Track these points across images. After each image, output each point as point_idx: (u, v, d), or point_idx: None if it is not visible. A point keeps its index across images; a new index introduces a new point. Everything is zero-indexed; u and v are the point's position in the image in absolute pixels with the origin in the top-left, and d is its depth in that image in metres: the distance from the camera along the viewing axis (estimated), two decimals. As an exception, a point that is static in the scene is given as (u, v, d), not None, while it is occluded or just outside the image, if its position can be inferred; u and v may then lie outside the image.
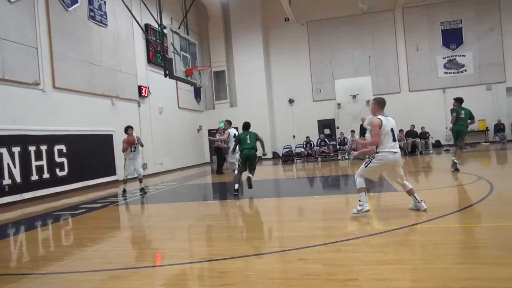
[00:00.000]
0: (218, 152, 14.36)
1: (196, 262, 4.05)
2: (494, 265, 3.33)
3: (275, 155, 21.41)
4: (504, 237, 4.16)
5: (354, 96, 19.10)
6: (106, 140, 13.31)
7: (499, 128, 19.10)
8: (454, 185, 8.28)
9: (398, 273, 3.23)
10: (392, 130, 5.37)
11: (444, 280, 2.97)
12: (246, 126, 9.00)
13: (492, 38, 19.88)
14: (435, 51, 20.57)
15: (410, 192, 5.46)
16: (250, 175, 8.65)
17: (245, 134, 8.74)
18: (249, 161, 8.57)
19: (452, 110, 10.28)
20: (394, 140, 5.37)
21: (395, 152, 5.34)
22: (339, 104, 20.48)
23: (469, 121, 9.99)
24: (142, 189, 9.88)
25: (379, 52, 20.97)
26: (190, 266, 3.94)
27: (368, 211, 5.33)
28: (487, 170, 11.00)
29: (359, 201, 5.37)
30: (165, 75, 10.73)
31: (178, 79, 11.38)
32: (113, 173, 13.57)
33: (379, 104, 5.54)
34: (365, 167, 5.44)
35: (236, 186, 8.28)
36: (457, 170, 9.76)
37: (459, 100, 10.13)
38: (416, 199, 5.41)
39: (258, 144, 8.56)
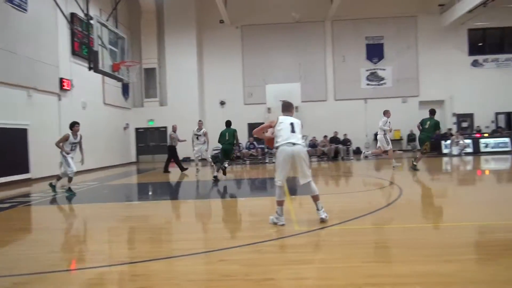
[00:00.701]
0: (171, 151, 14.40)
1: (114, 265, 3.90)
2: (399, 263, 3.65)
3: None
4: (411, 237, 4.56)
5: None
6: (19, 135, 12.27)
7: (411, 138, 20.89)
8: (369, 189, 8.89)
9: (312, 272, 3.40)
10: (292, 124, 5.18)
11: (352, 278, 3.19)
12: (228, 124, 11.17)
13: (409, 55, 21.70)
14: (359, 64, 21.93)
15: (315, 198, 5.22)
16: (226, 165, 10.89)
17: (225, 131, 10.82)
18: (226, 154, 10.77)
19: (421, 120, 11.51)
20: (292, 131, 5.12)
21: (293, 144, 5.03)
22: (269, 109, 20.90)
23: (437, 131, 11.11)
24: (70, 189, 9.22)
25: (309, 60, 21.86)
26: (109, 269, 3.78)
27: (282, 225, 5.06)
28: (399, 176, 11.93)
29: (276, 212, 5.19)
30: (89, 68, 10.21)
31: (103, 73, 10.88)
32: (26, 170, 12.54)
33: (282, 107, 5.58)
34: (275, 169, 5.31)
35: (215, 173, 10.63)
36: (416, 170, 11.13)
37: (431, 112, 11.33)
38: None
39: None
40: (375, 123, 21.21)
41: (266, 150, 18.57)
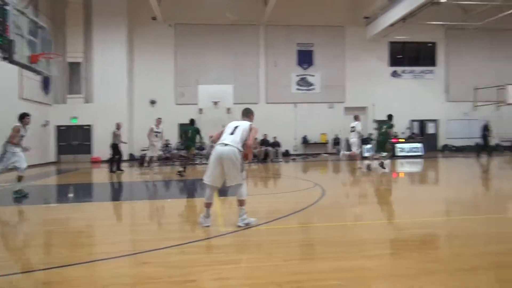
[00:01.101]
0: (114, 150, 13.88)
1: (25, 272, 3.62)
2: (321, 260, 3.83)
3: (132, 157, 20.53)
4: (333, 234, 4.80)
5: (215, 103, 19.63)
6: None
7: (336, 141, 22.02)
8: (294, 190, 9.21)
9: (235, 272, 3.44)
10: (235, 127, 5.25)
11: (274, 276, 3.29)
12: (191, 122, 12.42)
13: (337, 63, 22.81)
14: (290, 69, 22.60)
15: (239, 203, 5.10)
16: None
17: (189, 128, 11.99)
18: (188, 150, 12.31)
19: (378, 125, 12.76)
20: (231, 134, 5.14)
21: (225, 144, 5.00)
22: (201, 110, 20.77)
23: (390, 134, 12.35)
24: (19, 191, 8.10)
25: (242, 63, 22.07)
26: (18, 277, 3.49)
27: (207, 226, 5.01)
28: (323, 177, 12.52)
29: (204, 213, 5.16)
30: (3, 59, 9.34)
31: (19, 64, 10.01)
32: None
33: (241, 112, 5.74)
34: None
35: (181, 169, 11.89)
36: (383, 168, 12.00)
37: (388, 117, 12.22)
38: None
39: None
40: (304, 127, 22.29)
41: (197, 151, 18.40)
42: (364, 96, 22.71)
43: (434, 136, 23.16)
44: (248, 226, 5.00)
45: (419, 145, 19.52)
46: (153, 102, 21.48)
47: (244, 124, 5.32)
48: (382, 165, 12.28)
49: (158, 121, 13.45)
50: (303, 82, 22.77)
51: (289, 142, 21.73)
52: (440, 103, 23.30)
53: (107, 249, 4.29)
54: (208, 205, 5.16)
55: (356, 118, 13.52)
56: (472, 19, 21.26)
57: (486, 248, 4.06)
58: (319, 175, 13.21)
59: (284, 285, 3.08)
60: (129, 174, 14.45)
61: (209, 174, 5.11)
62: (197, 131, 12.13)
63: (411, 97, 22.81)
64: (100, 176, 12.99)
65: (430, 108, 22.96)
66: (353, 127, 13.11)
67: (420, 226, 5.12)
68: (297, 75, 22.67)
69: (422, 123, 23.38)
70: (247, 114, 5.65)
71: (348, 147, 15.94)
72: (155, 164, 13.83)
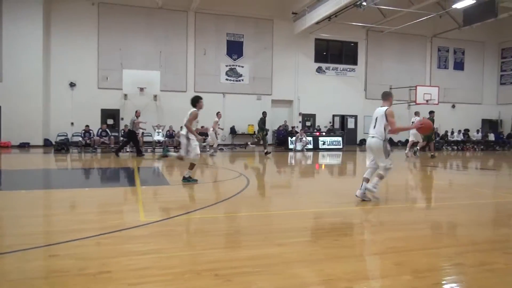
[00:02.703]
0: (130, 136, 15.06)
1: None
2: (240, 248, 3.93)
3: (48, 143, 19.10)
4: (253, 223, 4.94)
5: (141, 89, 18.96)
6: None
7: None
8: (219, 180, 9.28)
9: (153, 261, 3.41)
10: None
11: (192, 265, 3.32)
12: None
13: (265, 56, 23.20)
14: (219, 58, 22.50)
15: None
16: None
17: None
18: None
19: None
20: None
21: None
22: (125, 95, 19.94)
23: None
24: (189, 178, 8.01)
25: (170, 49, 21.49)
26: None
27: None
28: (248, 168, 12.74)
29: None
30: None
31: None
32: None
33: None
34: None
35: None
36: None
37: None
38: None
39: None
40: (233, 117, 22.38)
41: (122, 139, 17.65)
42: (290, 90, 23.45)
43: (353, 131, 24.65)
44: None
45: (339, 138, 20.67)
46: (72, 85, 20.08)
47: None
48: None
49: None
50: (232, 73, 22.83)
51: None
52: (360, 100, 24.82)
53: (12, 242, 3.98)
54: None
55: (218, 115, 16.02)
56: (390, 23, 22.90)
57: (389, 234, 4.47)
58: (245, 166, 13.42)
59: (202, 273, 3.12)
60: (43, 160, 13.48)
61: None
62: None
63: (333, 93, 24.00)
64: (9, 162, 11.92)
65: (350, 104, 24.37)
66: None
67: (333, 215, 5.47)
68: (227, 65, 22.66)
69: (343, 118, 24.75)
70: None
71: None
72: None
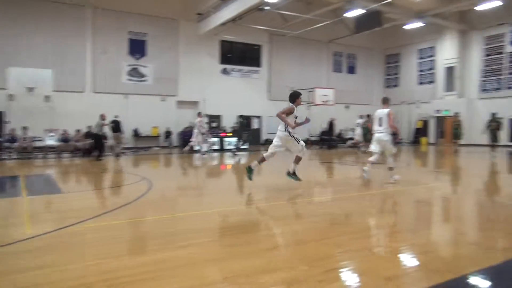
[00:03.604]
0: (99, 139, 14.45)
1: None
2: (139, 254, 3.78)
3: None
4: (153, 228, 4.78)
5: (30, 89, 17.19)
6: None
7: (168, 134, 22.04)
8: (120, 185, 8.84)
9: (44, 277, 3.11)
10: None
11: (84, 277, 3.10)
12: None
13: (170, 56, 22.69)
14: (121, 57, 21.42)
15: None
16: None
17: None
18: None
19: None
20: None
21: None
22: (11, 95, 17.88)
23: None
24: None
25: (66, 46, 19.84)
26: None
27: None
28: (152, 171, 12.37)
29: None
30: None
31: None
32: None
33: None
34: None
35: None
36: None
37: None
38: None
39: None
40: (136, 119, 21.47)
41: (8, 145, 15.80)
42: (196, 91, 23.28)
43: (258, 131, 25.36)
44: None
45: (245, 139, 21.08)
46: None
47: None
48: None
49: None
50: (135, 73, 21.92)
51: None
52: (264, 101, 25.63)
53: None
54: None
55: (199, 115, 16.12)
56: (291, 28, 24.05)
57: (289, 228, 4.68)
58: (148, 169, 12.98)
59: (94, 285, 2.93)
60: None
61: None
62: None
63: (239, 94, 24.44)
64: None
65: (255, 105, 25.01)
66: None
67: (236, 214, 5.56)
68: (129, 65, 21.68)
69: (248, 119, 25.31)
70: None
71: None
72: None
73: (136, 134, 21.51)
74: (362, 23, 22.05)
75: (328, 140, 22.68)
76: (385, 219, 5.47)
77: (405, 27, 24.55)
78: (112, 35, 21.12)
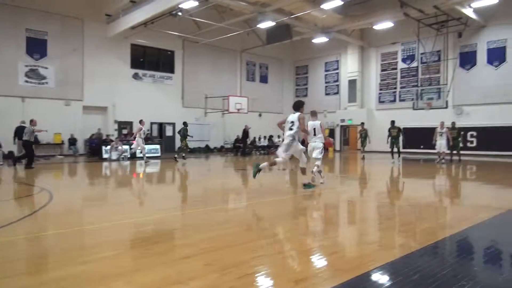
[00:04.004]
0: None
1: None
2: (28, 275, 3.38)
3: None
4: (49, 244, 4.33)
5: None
6: None
7: (73, 142, 20.49)
8: (14, 197, 7.95)
9: None
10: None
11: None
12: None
13: (75, 58, 21.16)
14: (17, 57, 19.45)
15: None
16: None
17: None
18: None
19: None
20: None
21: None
22: None
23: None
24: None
25: None
26: None
27: None
28: (53, 181, 11.36)
29: None
30: None
31: None
32: None
33: None
34: None
35: None
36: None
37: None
38: None
39: None
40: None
41: None
42: (105, 96, 22.05)
43: (171, 138, 24.77)
44: None
45: (157, 146, 20.46)
46: None
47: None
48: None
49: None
50: (34, 74, 20.06)
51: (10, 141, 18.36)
52: (177, 108, 25.17)
53: None
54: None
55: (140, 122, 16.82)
56: (204, 36, 24.04)
57: (202, 236, 4.59)
58: (49, 179, 11.88)
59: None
60: None
61: None
62: None
63: (151, 101, 23.70)
64: None
65: (168, 112, 24.45)
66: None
67: (147, 224, 5.32)
68: (26, 65, 19.77)
69: (161, 126, 24.66)
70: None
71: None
72: None
73: (35, 141, 19.54)
74: (273, 35, 22.89)
75: (243, 148, 22.99)
76: (296, 223, 5.67)
77: (313, 40, 26.06)
78: (7, 32, 19.12)
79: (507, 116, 21.18)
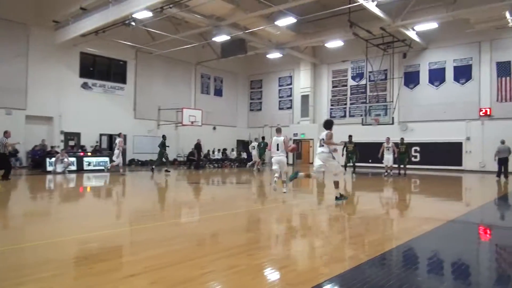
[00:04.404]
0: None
1: None
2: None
3: None
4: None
5: None
6: None
7: (14, 153, 19.17)
8: None
9: None
10: None
11: None
12: None
13: (18, 64, 20.00)
14: (-49, 61, 18.08)
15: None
16: None
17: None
18: None
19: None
20: None
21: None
22: None
23: None
24: None
25: None
26: None
27: None
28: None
29: None
30: None
31: None
32: None
33: None
34: None
35: None
36: None
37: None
38: None
39: None
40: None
41: None
42: (51, 105, 20.99)
43: (123, 150, 23.86)
44: None
45: (106, 159, 19.68)
46: None
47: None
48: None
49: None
50: (-29, 81, 18.69)
51: None
52: (129, 119, 24.45)
53: None
54: None
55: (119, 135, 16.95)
56: (158, 47, 23.71)
57: (151, 253, 4.42)
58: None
59: None
60: None
61: None
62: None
63: (101, 111, 22.86)
64: None
65: (119, 123, 23.59)
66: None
67: (92, 240, 5.04)
68: (-38, 71, 18.40)
69: (111, 138, 23.79)
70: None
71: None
72: None
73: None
74: (228, 49, 23.04)
75: (196, 161, 22.68)
76: (248, 237, 5.62)
77: (267, 56, 26.51)
78: None
79: (446, 132, 22.63)
